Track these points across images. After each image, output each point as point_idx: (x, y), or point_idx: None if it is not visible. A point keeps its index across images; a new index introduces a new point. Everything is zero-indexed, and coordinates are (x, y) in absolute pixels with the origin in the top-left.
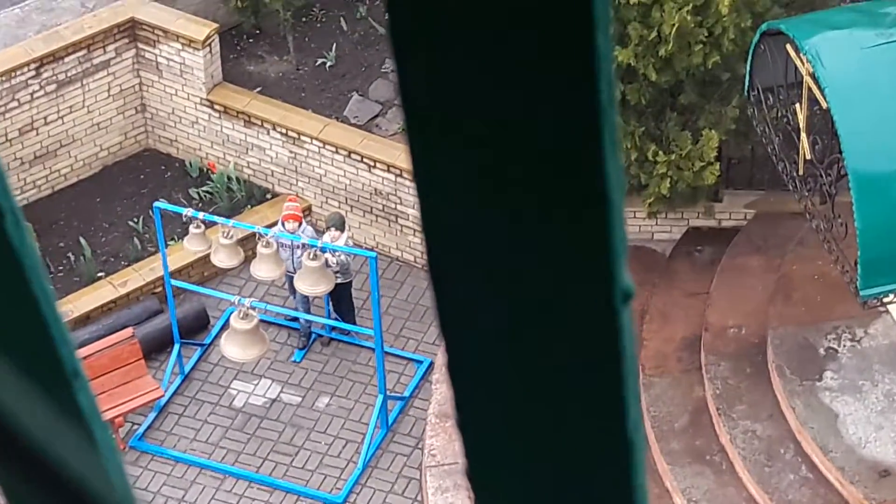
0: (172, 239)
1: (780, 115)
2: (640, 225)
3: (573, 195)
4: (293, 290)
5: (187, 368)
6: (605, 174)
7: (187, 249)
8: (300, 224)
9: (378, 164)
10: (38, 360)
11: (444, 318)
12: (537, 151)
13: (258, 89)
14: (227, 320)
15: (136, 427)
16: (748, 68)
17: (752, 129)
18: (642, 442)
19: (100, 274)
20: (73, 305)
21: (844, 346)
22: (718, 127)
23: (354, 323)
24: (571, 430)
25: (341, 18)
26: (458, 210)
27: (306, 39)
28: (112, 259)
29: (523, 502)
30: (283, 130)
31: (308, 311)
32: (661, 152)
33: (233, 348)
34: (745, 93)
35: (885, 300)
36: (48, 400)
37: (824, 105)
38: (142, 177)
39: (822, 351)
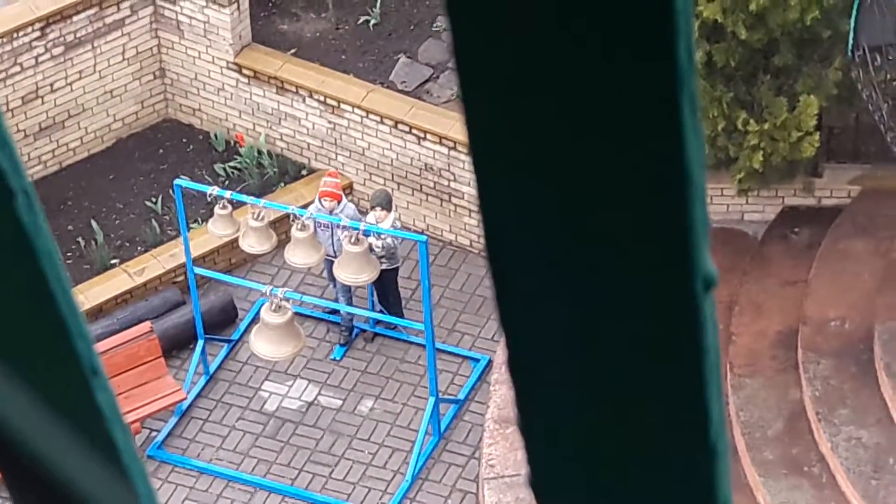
0: (195, 221)
1: (888, 78)
2: (728, 204)
3: (648, 171)
4: (333, 279)
5: (213, 368)
6: (684, 147)
7: (212, 233)
8: (339, 202)
9: (429, 136)
10: (53, 356)
11: (504, 309)
12: (607, 122)
13: (292, 51)
14: (258, 313)
15: (154, 434)
16: (852, 24)
17: (856, 95)
18: (726, 449)
19: (113, 261)
20: (83, 296)
21: None
22: (818, 92)
23: (402, 316)
24: (646, 436)
25: None
26: (520, 189)
27: None
28: (127, 244)
29: None
30: (321, 98)
31: (350, 303)
32: (752, 121)
33: (264, 345)
34: (849, 53)
35: None
36: (63, 401)
37: None
38: (161, 151)
39: None
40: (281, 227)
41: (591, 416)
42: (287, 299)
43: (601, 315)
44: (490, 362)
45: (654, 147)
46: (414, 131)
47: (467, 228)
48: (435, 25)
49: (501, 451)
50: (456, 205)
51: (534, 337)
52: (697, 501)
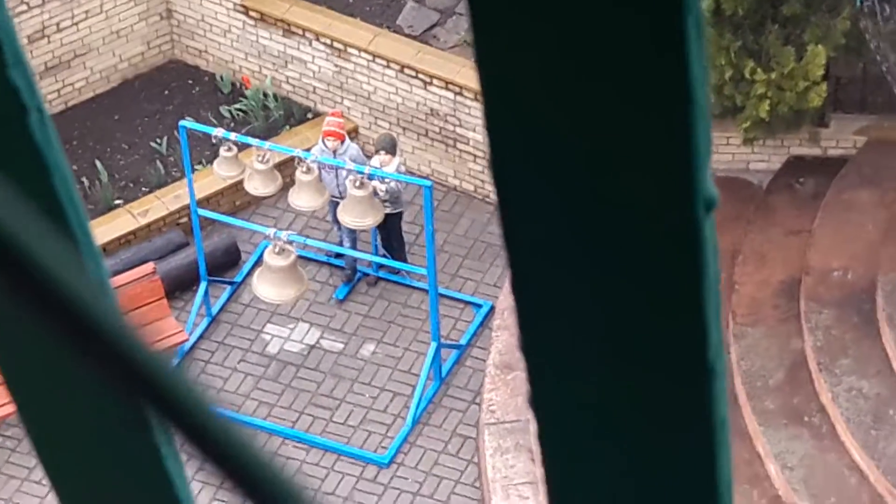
0: (200, 163)
1: None
2: (734, 153)
3: (650, 89)
4: (337, 221)
5: (215, 310)
6: (687, 67)
7: (217, 175)
8: (343, 142)
9: (435, 81)
10: (62, 272)
11: (509, 230)
12: (612, 42)
13: None
14: (261, 256)
15: None
16: None
17: (864, 45)
18: (724, 370)
19: (117, 201)
20: None
21: None
22: (826, 41)
23: (405, 260)
24: (645, 356)
25: None
26: (529, 114)
27: None
28: (131, 185)
29: (591, 434)
30: (328, 41)
31: (354, 247)
32: (759, 70)
33: (267, 287)
34: (858, 3)
35: None
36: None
37: None
38: (166, 92)
39: None
40: (286, 169)
41: (592, 335)
42: (290, 242)
43: (603, 235)
44: (492, 308)
45: (658, 65)
46: (420, 76)
47: (472, 174)
48: None
49: (502, 397)
50: (461, 150)
51: (538, 253)
52: (695, 420)
